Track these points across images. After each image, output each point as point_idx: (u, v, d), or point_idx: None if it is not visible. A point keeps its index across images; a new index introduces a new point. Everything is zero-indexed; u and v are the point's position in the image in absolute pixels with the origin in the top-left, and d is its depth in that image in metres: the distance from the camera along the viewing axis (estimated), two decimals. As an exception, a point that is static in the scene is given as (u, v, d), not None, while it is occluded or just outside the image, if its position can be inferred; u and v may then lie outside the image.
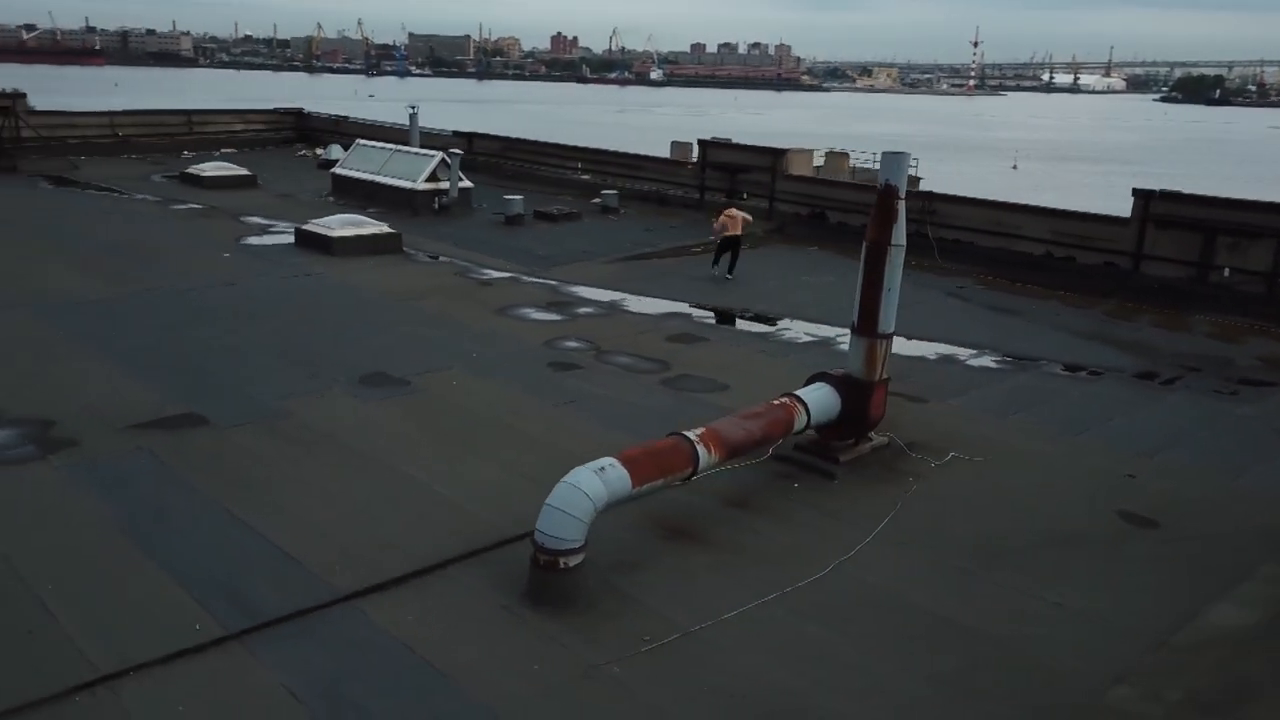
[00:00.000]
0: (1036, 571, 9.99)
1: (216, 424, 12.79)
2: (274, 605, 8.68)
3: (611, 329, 18.30)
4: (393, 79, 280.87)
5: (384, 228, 24.11)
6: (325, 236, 23.15)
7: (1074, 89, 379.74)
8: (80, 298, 18.58)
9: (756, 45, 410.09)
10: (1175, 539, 10.89)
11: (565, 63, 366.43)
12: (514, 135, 38.43)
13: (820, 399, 11.79)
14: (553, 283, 21.75)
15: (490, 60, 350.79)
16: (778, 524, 10.81)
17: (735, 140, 34.62)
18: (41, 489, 10.78)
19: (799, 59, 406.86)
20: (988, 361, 17.42)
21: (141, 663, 7.77)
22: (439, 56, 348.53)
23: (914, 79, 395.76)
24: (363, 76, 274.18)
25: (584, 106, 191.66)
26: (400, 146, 31.75)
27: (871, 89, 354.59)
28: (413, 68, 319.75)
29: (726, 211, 22.85)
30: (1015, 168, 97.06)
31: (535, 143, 36.73)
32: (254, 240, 24.79)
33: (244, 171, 32.98)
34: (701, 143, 31.14)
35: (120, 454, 11.73)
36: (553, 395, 14.61)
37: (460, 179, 29.51)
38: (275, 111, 45.72)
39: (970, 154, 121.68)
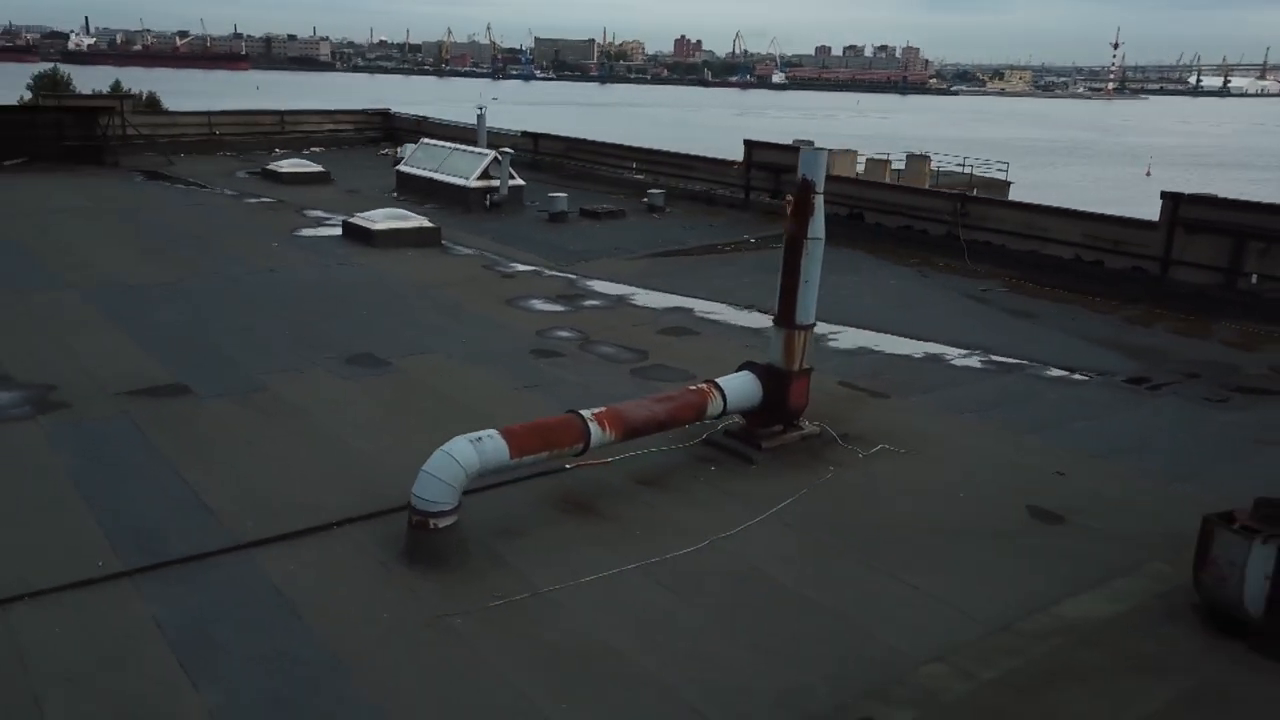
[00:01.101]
0: (911, 558, 10.15)
1: (198, 394, 13.95)
2: (174, 550, 9.62)
3: (611, 320, 18.90)
4: (518, 82, 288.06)
5: (424, 222, 25.27)
6: (368, 229, 24.46)
7: (1223, 92, 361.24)
8: (128, 281, 20.21)
9: (883, 48, 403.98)
10: (1076, 535, 10.87)
11: (688, 66, 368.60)
12: (576, 136, 39.41)
13: (739, 386, 12.16)
14: (572, 276, 22.48)
15: (613, 64, 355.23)
16: (677, 502, 11.23)
17: (793, 141, 34.34)
18: (23, 443, 12.03)
19: (927, 61, 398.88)
20: (974, 362, 17.32)
21: (39, 590, 8.80)
22: (563, 60, 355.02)
23: (1048, 82, 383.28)
24: (489, 80, 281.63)
25: (703, 110, 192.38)
26: (458, 145, 33.00)
27: (1003, 92, 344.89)
28: (537, 71, 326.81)
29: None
30: (1149, 174, 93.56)
31: (595, 143, 37.66)
32: (307, 232, 26.30)
33: (319, 168, 34.83)
34: (747, 143, 31.42)
35: (103, 417, 12.95)
36: (522, 379, 15.29)
37: (512, 176, 30.55)
38: (363, 112, 47.96)
39: (1101, 159, 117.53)
